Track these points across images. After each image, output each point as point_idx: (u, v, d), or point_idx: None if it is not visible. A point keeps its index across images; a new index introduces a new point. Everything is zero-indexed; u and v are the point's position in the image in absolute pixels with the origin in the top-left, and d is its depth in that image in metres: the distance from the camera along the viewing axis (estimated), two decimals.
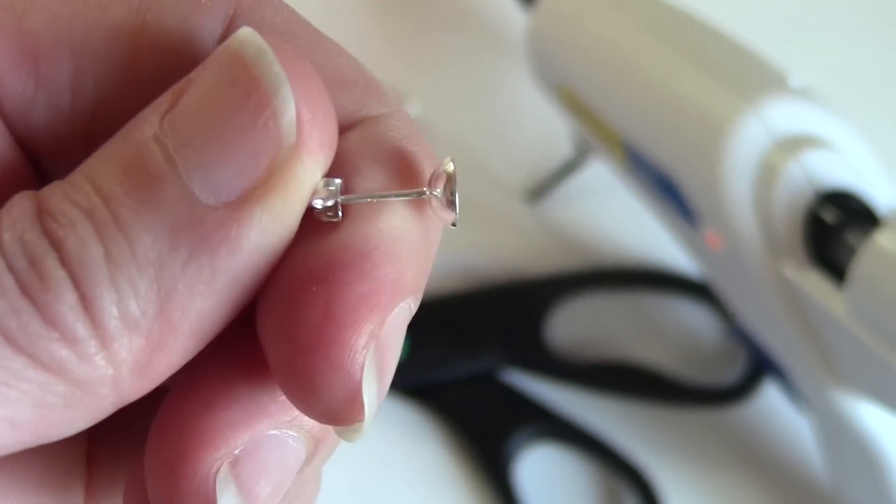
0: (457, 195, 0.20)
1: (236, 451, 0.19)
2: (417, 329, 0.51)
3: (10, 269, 0.17)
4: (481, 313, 0.52)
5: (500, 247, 0.55)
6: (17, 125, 0.21)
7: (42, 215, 0.18)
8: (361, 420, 0.19)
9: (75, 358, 0.17)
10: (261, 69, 0.18)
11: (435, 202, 0.20)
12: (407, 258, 0.20)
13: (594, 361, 0.52)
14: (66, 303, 0.17)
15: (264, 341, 0.19)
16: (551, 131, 0.57)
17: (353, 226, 0.19)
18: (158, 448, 0.20)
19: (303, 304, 0.19)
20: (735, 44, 0.46)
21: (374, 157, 0.20)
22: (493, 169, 0.58)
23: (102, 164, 0.18)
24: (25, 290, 0.17)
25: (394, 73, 0.58)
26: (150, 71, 0.21)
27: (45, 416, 0.18)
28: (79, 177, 0.18)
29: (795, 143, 0.41)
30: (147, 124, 0.18)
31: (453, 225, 0.20)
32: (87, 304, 0.17)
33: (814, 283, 0.41)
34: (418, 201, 0.20)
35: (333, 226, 0.19)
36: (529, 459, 0.49)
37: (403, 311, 0.20)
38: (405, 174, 0.21)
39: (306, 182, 0.19)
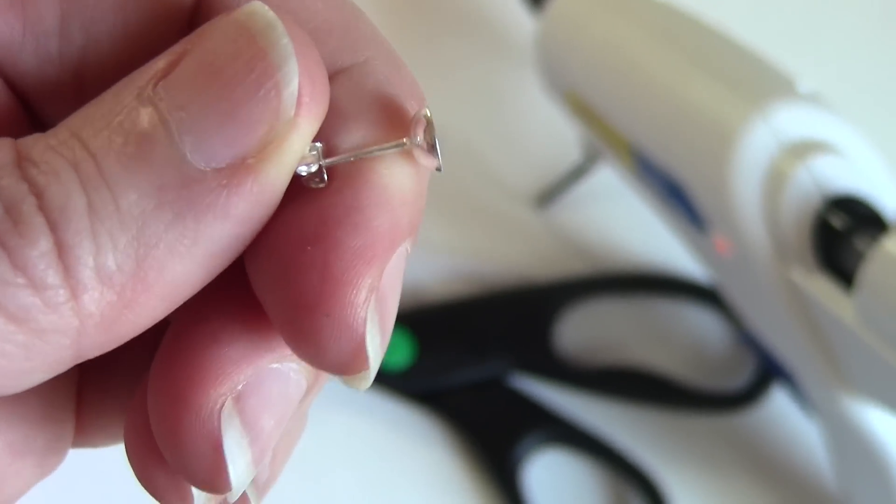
0: (436, 140, 0.20)
1: (240, 386, 0.20)
2: (425, 334, 0.51)
3: None
4: (489, 319, 0.52)
5: (508, 252, 0.55)
6: (6, 67, 0.21)
7: (22, 162, 0.17)
8: (367, 369, 0.19)
9: (42, 305, 0.17)
10: (268, 41, 0.18)
11: (416, 151, 0.20)
12: (399, 205, 0.20)
13: (602, 367, 0.51)
14: (39, 249, 0.17)
15: (262, 299, 0.19)
16: (559, 136, 0.57)
17: (341, 182, 0.19)
18: (162, 385, 0.20)
19: (299, 265, 0.19)
20: (743, 49, 0.46)
21: (354, 111, 0.20)
22: (501, 174, 0.58)
23: (90, 120, 0.18)
24: None
25: None
26: (138, 21, 0.21)
27: (1, 367, 0.17)
28: (63, 131, 0.18)
29: (804, 149, 0.41)
30: (139, 86, 0.18)
31: (438, 170, 0.20)
32: (62, 252, 0.17)
33: (822, 288, 0.41)
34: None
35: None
36: (537, 465, 0.49)
37: (401, 256, 0.20)
38: (387, 122, 0.21)
39: (298, 153, 0.19)
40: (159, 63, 0.18)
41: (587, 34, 0.51)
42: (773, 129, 0.42)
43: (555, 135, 0.58)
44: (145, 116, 0.18)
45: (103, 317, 0.18)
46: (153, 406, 0.20)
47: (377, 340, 0.19)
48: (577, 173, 0.56)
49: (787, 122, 0.42)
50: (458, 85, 0.62)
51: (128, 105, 0.18)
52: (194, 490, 0.20)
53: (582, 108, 0.51)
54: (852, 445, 0.44)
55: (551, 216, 0.57)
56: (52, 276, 0.17)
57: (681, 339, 0.54)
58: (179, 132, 0.18)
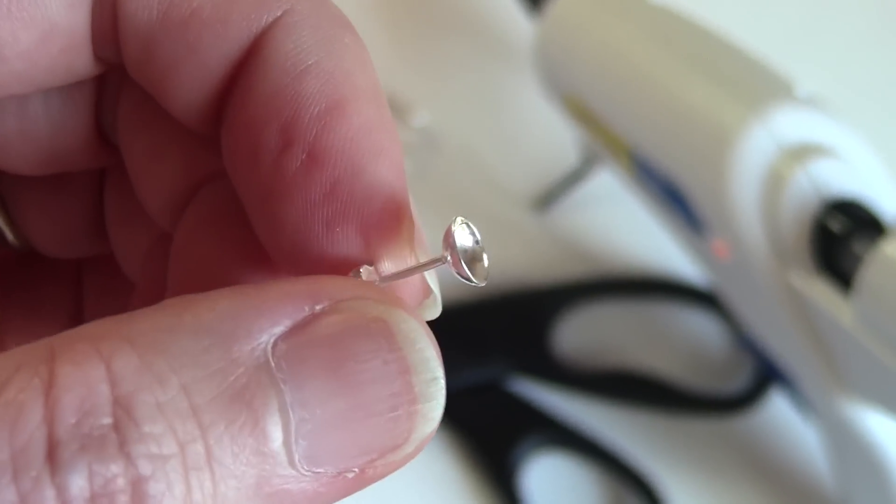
0: (460, 257, 0.19)
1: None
2: None
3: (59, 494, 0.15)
4: (488, 322, 0.52)
5: (507, 255, 0.55)
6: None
7: (118, 412, 0.16)
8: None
9: None
10: (421, 380, 0.18)
11: (452, 266, 0.19)
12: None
13: (601, 370, 0.52)
14: None
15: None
16: (558, 140, 0.57)
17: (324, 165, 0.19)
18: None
19: (336, 244, 0.19)
20: (742, 52, 0.46)
21: (279, 106, 0.20)
22: (500, 178, 0.58)
23: (198, 365, 0.16)
24: None
25: (400, 82, 0.58)
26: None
27: None
28: (170, 378, 0.16)
29: (802, 152, 0.41)
30: (256, 339, 0.17)
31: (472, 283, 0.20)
32: None
33: (821, 291, 0.41)
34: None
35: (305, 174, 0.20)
36: (536, 468, 0.49)
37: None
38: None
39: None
40: (279, 317, 0.17)
41: (586, 38, 0.51)
42: (771, 133, 0.42)
43: (554, 138, 0.58)
44: (267, 400, 0.17)
45: None
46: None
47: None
48: (575, 177, 0.56)
49: (785, 125, 0.42)
50: (457, 88, 0.62)
51: (245, 365, 0.17)
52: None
53: (581, 112, 0.51)
54: (851, 448, 0.44)
55: (550, 219, 0.57)
56: None
57: (679, 343, 0.54)
58: (297, 435, 0.17)
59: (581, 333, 0.53)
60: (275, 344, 0.17)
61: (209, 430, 0.16)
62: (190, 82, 0.20)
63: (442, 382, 0.18)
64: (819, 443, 0.47)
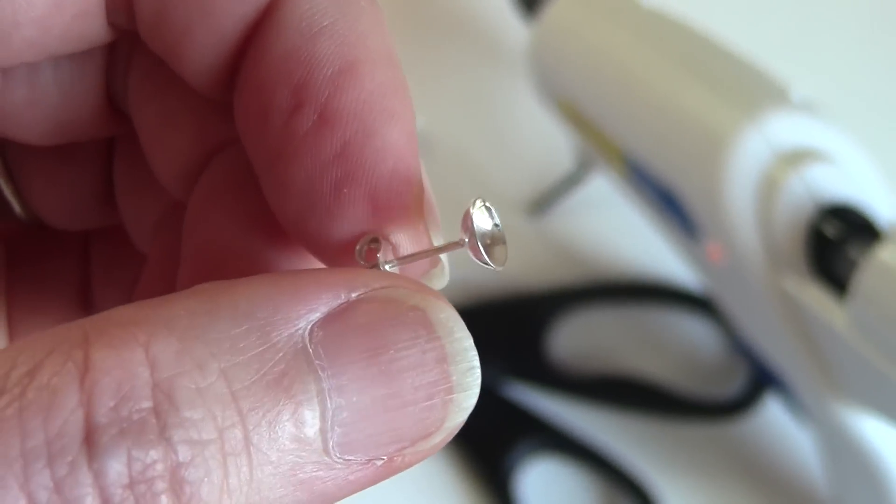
0: (479, 241, 0.19)
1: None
2: None
3: (97, 480, 0.15)
4: (483, 327, 0.52)
5: None
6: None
7: (158, 396, 0.16)
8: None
9: None
10: (458, 369, 0.18)
11: (470, 250, 0.19)
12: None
13: (595, 375, 0.52)
14: None
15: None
16: (553, 145, 0.57)
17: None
18: None
19: (343, 207, 0.19)
20: (736, 57, 0.46)
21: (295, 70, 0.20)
22: (495, 182, 0.58)
23: (236, 351, 0.16)
24: None
25: None
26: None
27: None
28: (210, 363, 0.16)
29: (797, 157, 0.41)
30: (295, 324, 0.17)
31: (490, 266, 0.20)
32: None
33: (815, 296, 0.41)
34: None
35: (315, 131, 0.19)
36: (531, 472, 0.49)
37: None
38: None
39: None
40: (316, 303, 0.17)
41: (581, 43, 0.51)
42: (766, 138, 0.42)
43: (548, 142, 0.58)
44: (306, 386, 0.17)
45: None
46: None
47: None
48: (570, 181, 0.56)
49: (780, 130, 0.42)
50: (451, 93, 0.62)
51: (284, 351, 0.17)
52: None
53: (575, 117, 0.51)
54: (845, 453, 0.44)
55: (544, 224, 0.57)
56: None
57: (674, 348, 0.54)
58: (333, 422, 0.17)
59: (576, 338, 0.53)
60: (311, 331, 0.17)
61: (248, 416, 0.16)
62: (204, 46, 0.20)
63: (478, 372, 0.18)
64: (813, 447, 0.47)
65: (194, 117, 0.22)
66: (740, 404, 0.51)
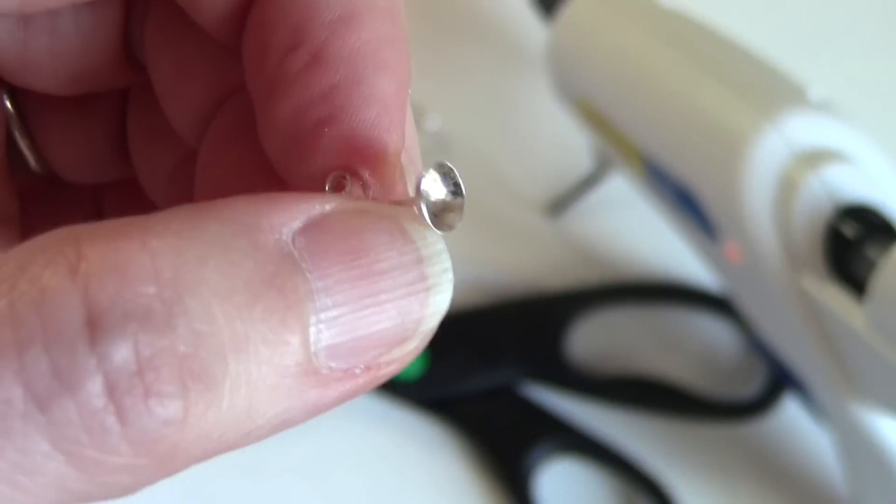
0: (424, 205, 0.19)
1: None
2: (437, 343, 0.51)
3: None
4: (501, 327, 0.52)
5: (520, 261, 0.55)
6: None
7: (161, 281, 0.16)
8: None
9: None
10: (433, 270, 0.18)
11: (420, 213, 0.19)
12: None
13: (614, 375, 0.52)
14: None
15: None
16: (571, 145, 0.57)
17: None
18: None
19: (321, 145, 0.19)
20: (754, 57, 0.46)
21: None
22: (513, 182, 0.58)
23: (230, 253, 0.16)
24: None
25: (413, 85, 0.58)
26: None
27: None
28: (201, 251, 0.16)
29: (815, 157, 0.41)
30: (278, 232, 0.17)
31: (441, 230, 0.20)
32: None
33: (833, 296, 0.41)
34: None
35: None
36: (549, 473, 0.49)
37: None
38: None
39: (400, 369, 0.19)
40: (295, 212, 0.18)
41: (599, 43, 0.51)
42: (784, 138, 0.42)
43: (566, 143, 0.58)
44: (297, 286, 0.17)
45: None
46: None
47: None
48: (588, 182, 0.56)
49: (798, 130, 0.42)
50: (470, 93, 0.62)
51: (272, 253, 0.17)
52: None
53: (594, 117, 0.51)
54: (864, 454, 0.44)
55: (563, 225, 0.57)
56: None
57: (692, 348, 0.53)
58: (320, 323, 0.17)
59: (594, 338, 0.53)
60: (294, 238, 0.17)
61: (244, 311, 0.16)
62: None
63: (451, 275, 0.18)
64: (832, 448, 0.47)
65: (208, 65, 0.23)
66: (759, 405, 0.51)
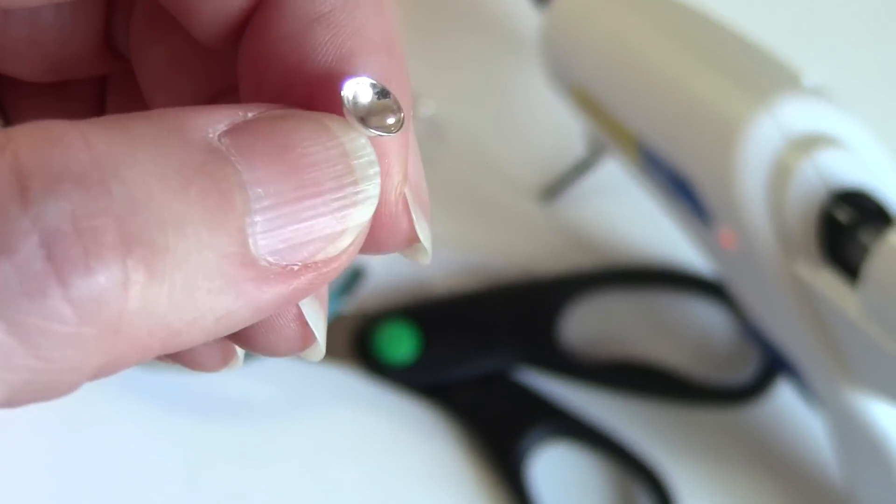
0: (350, 110, 0.19)
1: None
2: (430, 328, 0.51)
3: None
4: (494, 312, 0.52)
5: (514, 246, 0.55)
6: None
7: (94, 152, 0.16)
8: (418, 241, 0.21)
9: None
10: (359, 162, 0.18)
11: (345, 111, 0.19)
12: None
13: (607, 360, 0.52)
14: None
15: None
16: (565, 131, 0.57)
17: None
18: None
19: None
20: (748, 42, 0.46)
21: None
22: (507, 168, 0.58)
23: (159, 146, 0.16)
24: None
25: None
26: None
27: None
28: (132, 140, 0.16)
29: (809, 143, 0.41)
30: (204, 131, 0.17)
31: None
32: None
33: (827, 282, 0.41)
34: None
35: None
36: (543, 459, 0.49)
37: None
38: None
39: (341, 269, 0.19)
40: (219, 117, 0.18)
41: (592, 28, 0.51)
42: (778, 123, 0.42)
43: (560, 129, 0.58)
44: (228, 174, 0.17)
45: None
46: None
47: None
48: (582, 167, 0.56)
49: (792, 115, 0.42)
50: (463, 79, 0.62)
51: (200, 147, 0.17)
52: None
53: (587, 103, 0.51)
54: (857, 439, 0.44)
55: (557, 210, 0.57)
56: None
57: (686, 333, 0.54)
58: (255, 212, 0.17)
59: (587, 324, 0.53)
60: (219, 138, 0.17)
61: (179, 193, 0.16)
62: (211, 12, 0.20)
63: (378, 168, 0.19)
64: (825, 433, 0.47)
65: (198, 64, 0.23)
66: (752, 390, 0.51)
